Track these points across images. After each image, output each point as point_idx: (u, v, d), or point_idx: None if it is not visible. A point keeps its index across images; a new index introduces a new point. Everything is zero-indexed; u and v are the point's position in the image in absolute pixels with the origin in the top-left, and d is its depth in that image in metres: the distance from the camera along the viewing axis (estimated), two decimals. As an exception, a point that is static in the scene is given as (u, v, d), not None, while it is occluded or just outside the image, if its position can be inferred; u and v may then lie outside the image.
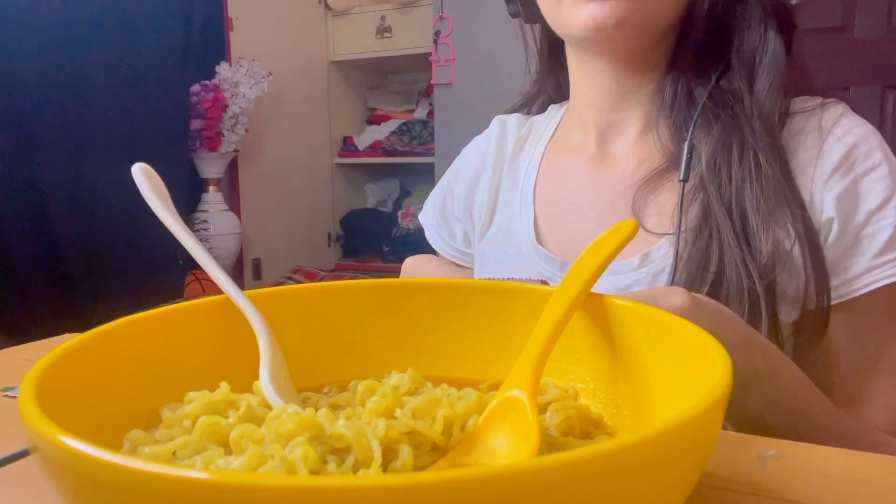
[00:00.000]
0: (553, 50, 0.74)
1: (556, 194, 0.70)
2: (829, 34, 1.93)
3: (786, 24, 0.62)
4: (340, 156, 3.31)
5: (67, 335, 0.57)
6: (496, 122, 0.79)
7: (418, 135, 3.10)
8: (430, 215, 0.80)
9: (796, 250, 0.56)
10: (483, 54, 2.14)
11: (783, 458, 0.37)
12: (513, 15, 0.74)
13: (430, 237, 0.80)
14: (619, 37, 0.60)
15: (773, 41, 0.60)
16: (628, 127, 0.68)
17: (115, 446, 0.31)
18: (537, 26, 0.74)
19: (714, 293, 0.55)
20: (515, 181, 0.73)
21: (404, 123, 3.17)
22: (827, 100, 0.62)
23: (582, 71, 0.69)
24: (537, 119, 0.77)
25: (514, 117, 0.78)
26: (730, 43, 0.62)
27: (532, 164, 0.73)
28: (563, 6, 0.61)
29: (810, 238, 0.56)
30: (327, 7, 3.17)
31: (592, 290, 0.38)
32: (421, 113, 3.19)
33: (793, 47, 0.62)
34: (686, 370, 0.32)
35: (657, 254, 0.60)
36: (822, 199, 0.58)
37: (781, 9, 0.62)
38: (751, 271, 0.55)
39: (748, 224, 0.56)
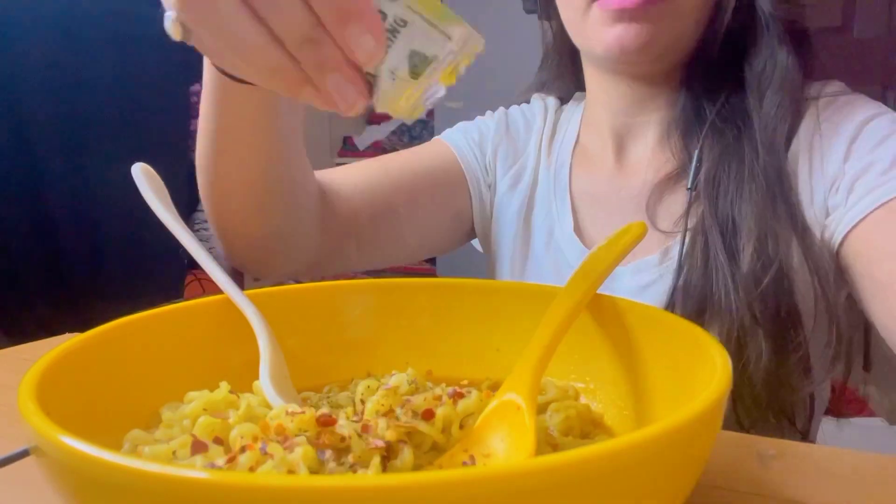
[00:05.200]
0: (570, 50, 0.73)
1: (586, 195, 0.69)
2: (829, 34, 1.93)
3: (801, 45, 0.61)
4: (340, 156, 3.31)
5: (67, 335, 0.57)
6: (539, 100, 0.77)
7: (418, 135, 3.10)
8: (466, 128, 0.77)
9: (801, 270, 0.55)
10: (483, 55, 2.14)
11: (783, 458, 0.37)
12: (528, 11, 0.73)
13: (451, 133, 0.77)
14: (643, 60, 0.60)
15: (785, 61, 0.59)
16: (646, 132, 0.67)
17: (115, 446, 0.31)
18: (554, 22, 0.72)
19: (705, 305, 0.56)
20: (549, 165, 0.73)
21: (404, 123, 3.17)
22: (820, 92, 0.61)
23: (597, 77, 0.69)
24: (566, 109, 0.76)
25: (553, 101, 0.77)
26: (743, 61, 0.61)
27: (563, 157, 0.72)
28: (588, 22, 0.60)
29: (811, 258, 0.55)
30: (327, 7, 3.16)
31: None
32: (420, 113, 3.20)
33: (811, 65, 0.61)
34: (686, 370, 0.32)
35: (676, 249, 0.60)
36: (845, 172, 0.56)
37: (797, 29, 0.61)
38: (738, 288, 0.54)
39: (737, 238, 0.56)
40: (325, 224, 0.61)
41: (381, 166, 0.69)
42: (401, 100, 0.33)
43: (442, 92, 0.33)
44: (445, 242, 0.76)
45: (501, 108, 0.79)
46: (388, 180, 0.68)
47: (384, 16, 0.30)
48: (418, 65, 0.32)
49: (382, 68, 0.32)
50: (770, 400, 0.55)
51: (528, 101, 0.79)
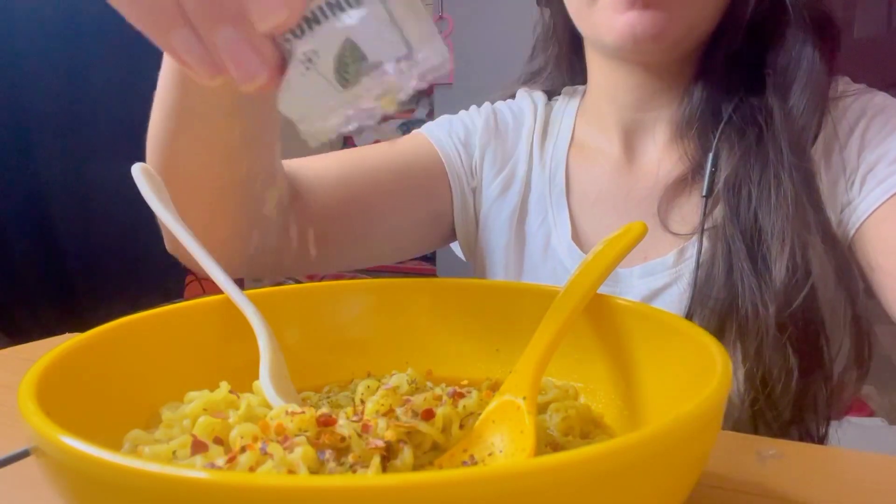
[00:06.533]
0: (571, 38, 0.69)
1: (587, 195, 0.66)
2: (829, 34, 1.93)
3: (828, 39, 0.58)
4: (340, 156, 3.30)
5: (67, 335, 0.57)
6: (526, 96, 0.73)
7: (419, 134, 3.10)
8: (451, 124, 0.72)
9: (830, 281, 0.53)
10: (483, 54, 2.14)
11: (783, 458, 0.37)
12: None
13: (433, 128, 0.72)
14: (655, 49, 0.57)
15: (811, 56, 0.57)
16: (656, 128, 0.64)
17: (115, 446, 0.31)
18: (554, 8, 0.69)
19: (725, 317, 0.53)
20: (543, 168, 0.69)
21: (404, 123, 3.17)
22: (835, 86, 0.60)
23: (604, 67, 0.65)
24: (556, 106, 0.73)
25: (540, 96, 0.73)
26: (764, 56, 0.59)
27: (558, 159, 0.69)
28: (597, 9, 0.57)
29: (838, 263, 0.53)
30: (327, 7, 3.16)
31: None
32: (421, 113, 3.19)
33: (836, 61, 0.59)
34: (686, 370, 0.32)
35: (692, 250, 0.58)
36: (858, 166, 0.56)
37: (824, 21, 0.58)
38: (768, 304, 0.52)
39: (764, 248, 0.53)
40: (288, 228, 0.56)
41: (357, 162, 0.64)
42: (309, 104, 0.23)
43: (374, 119, 0.24)
44: (421, 244, 0.71)
45: (487, 104, 0.74)
46: (364, 178, 0.63)
47: None
48: (350, 65, 0.22)
49: (297, 47, 0.22)
50: (795, 419, 0.53)
51: (512, 96, 0.75)
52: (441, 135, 0.70)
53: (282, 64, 0.23)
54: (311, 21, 0.22)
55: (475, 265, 0.72)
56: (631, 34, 0.55)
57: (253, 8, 0.21)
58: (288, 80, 0.23)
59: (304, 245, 0.59)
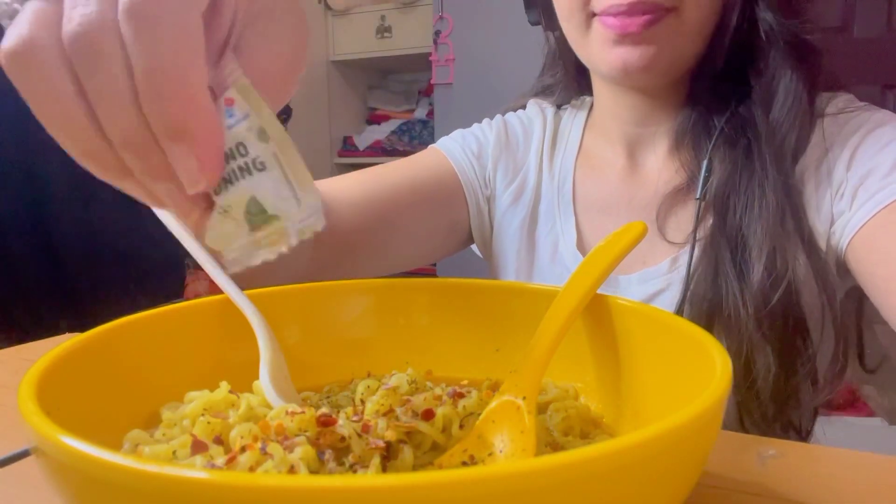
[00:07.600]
0: (575, 60, 0.71)
1: (593, 204, 0.69)
2: (829, 34, 1.93)
3: (808, 59, 0.60)
4: (340, 156, 3.31)
5: (67, 335, 0.57)
6: (536, 107, 0.76)
7: (418, 135, 3.10)
8: (464, 138, 0.76)
9: (809, 283, 0.55)
10: (483, 54, 2.14)
11: (783, 458, 0.37)
12: (533, 23, 0.73)
13: (448, 143, 0.76)
14: (646, 79, 0.61)
15: (789, 75, 0.59)
16: (658, 141, 0.67)
17: (115, 446, 0.31)
18: (559, 33, 0.71)
19: (712, 317, 0.56)
20: (552, 178, 0.72)
21: (404, 123, 3.17)
22: (826, 106, 0.61)
23: (605, 88, 0.69)
24: (564, 117, 0.76)
25: (550, 107, 0.76)
26: (749, 72, 0.61)
27: (566, 169, 0.72)
28: (590, 40, 0.60)
29: (819, 273, 0.56)
30: (327, 7, 3.17)
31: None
32: (421, 113, 3.20)
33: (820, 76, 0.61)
34: (686, 370, 0.32)
35: (685, 257, 0.61)
36: (848, 178, 0.57)
37: (802, 46, 0.60)
38: (748, 304, 0.55)
39: (747, 254, 0.56)
40: (319, 241, 0.59)
41: (379, 180, 0.68)
42: (227, 241, 0.29)
43: (270, 256, 0.30)
44: (440, 251, 0.75)
45: (499, 117, 0.78)
46: (386, 195, 0.67)
47: (244, 150, 0.28)
48: (255, 215, 0.29)
49: (217, 200, 0.29)
50: (777, 413, 0.56)
51: (523, 107, 0.78)
52: (455, 149, 0.74)
53: (209, 206, 0.29)
54: (227, 182, 0.28)
55: (490, 268, 0.76)
56: (622, 68, 0.59)
57: (182, 177, 0.27)
58: (211, 222, 0.29)
59: (332, 261, 0.62)
